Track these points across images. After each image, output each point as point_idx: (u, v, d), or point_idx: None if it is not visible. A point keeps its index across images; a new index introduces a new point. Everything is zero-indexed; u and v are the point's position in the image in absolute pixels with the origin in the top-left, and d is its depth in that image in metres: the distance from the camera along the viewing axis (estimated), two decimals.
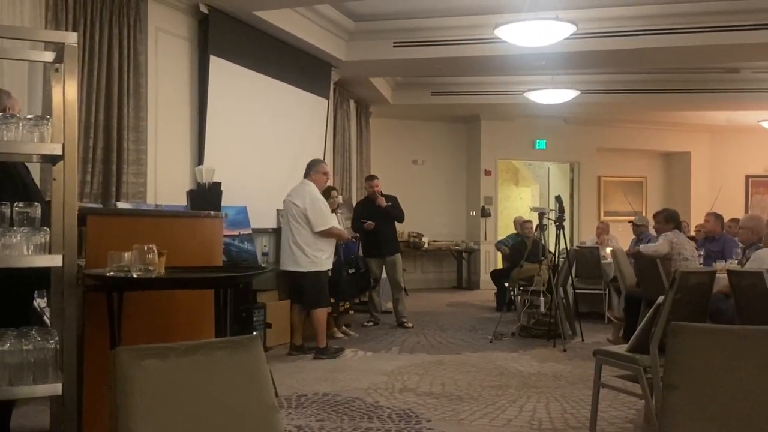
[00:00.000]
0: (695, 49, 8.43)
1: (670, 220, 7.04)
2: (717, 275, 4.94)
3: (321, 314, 6.75)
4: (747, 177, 15.27)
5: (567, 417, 4.76)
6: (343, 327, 7.81)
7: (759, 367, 1.98)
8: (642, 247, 7.06)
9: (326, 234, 6.67)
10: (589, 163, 14.51)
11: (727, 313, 5.37)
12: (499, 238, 13.19)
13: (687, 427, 1.98)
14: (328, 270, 6.82)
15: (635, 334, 4.26)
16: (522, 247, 9.46)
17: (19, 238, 2.64)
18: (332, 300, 7.25)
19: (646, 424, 4.46)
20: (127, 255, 3.07)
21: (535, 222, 8.24)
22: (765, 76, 11.11)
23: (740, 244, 7.61)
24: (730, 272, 5.05)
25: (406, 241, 12.48)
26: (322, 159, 7.26)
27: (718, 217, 8.29)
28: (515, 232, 11.06)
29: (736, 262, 6.80)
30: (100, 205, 5.62)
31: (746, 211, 14.36)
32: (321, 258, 6.65)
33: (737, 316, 4.97)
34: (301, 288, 6.77)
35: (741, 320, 4.83)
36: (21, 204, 2.75)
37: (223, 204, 6.12)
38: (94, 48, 5.68)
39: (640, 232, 9.20)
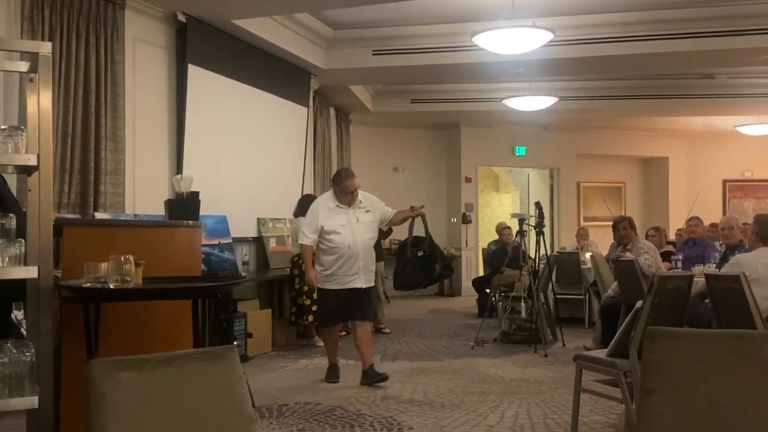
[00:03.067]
0: (671, 55, 8.52)
1: (634, 225, 7.40)
2: (695, 279, 4.98)
3: (320, 331, 6.28)
4: (724, 182, 15.44)
5: (548, 422, 4.77)
6: None
7: (735, 370, 2.00)
8: (643, 264, 6.87)
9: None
10: (568, 169, 14.59)
11: (704, 316, 5.41)
12: (481, 244, 13.25)
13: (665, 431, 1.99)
14: (335, 290, 5.81)
15: (615, 338, 4.28)
16: (502, 253, 9.48)
17: None
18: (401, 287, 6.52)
19: (626, 428, 4.48)
20: (103, 266, 3.05)
21: (515, 228, 8.27)
22: (740, 82, 11.24)
23: (719, 248, 7.69)
24: (707, 276, 5.08)
25: (387, 249, 12.47)
26: (342, 174, 6.02)
27: (701, 221, 8.45)
28: (497, 238, 11.10)
29: (714, 265, 6.86)
30: (78, 216, 5.57)
31: (724, 215, 14.52)
32: (322, 273, 5.88)
33: (714, 319, 5.01)
34: None
35: (718, 324, 4.87)
36: None
37: (202, 213, 6.09)
38: (71, 57, 5.64)
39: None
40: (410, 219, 6.04)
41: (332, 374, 6.03)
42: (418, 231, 6.32)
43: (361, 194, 5.96)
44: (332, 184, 6.09)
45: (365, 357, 5.92)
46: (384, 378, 5.85)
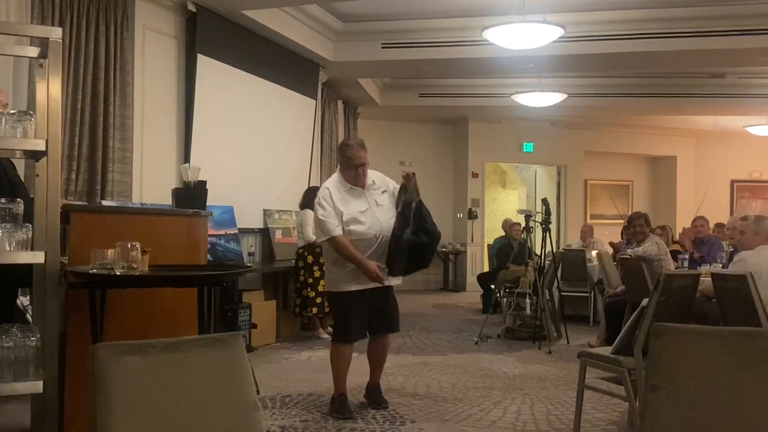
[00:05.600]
0: (682, 53, 8.48)
1: (649, 222, 7.28)
2: (701, 278, 4.97)
3: (332, 350, 4.95)
4: (732, 182, 15.38)
5: (551, 419, 4.76)
6: (329, 327, 7.76)
7: (740, 367, 1.99)
8: (630, 251, 7.06)
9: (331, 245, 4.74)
10: (575, 166, 14.56)
11: (712, 315, 5.39)
12: (487, 240, 13.24)
13: (669, 428, 1.98)
14: (356, 291, 4.70)
15: (619, 336, 4.28)
16: (508, 249, 9.47)
17: (0, 234, 2.62)
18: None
19: (629, 426, 4.47)
20: (110, 252, 3.06)
21: (522, 224, 8.27)
22: (751, 82, 11.19)
23: (725, 248, 7.67)
24: (714, 275, 5.07)
25: None
26: (350, 143, 4.97)
27: (707, 220, 8.43)
28: (503, 234, 11.09)
29: (721, 265, 6.85)
30: (84, 203, 5.59)
31: (731, 216, 14.45)
32: (339, 274, 4.75)
33: (721, 318, 5.00)
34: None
35: (725, 323, 4.86)
36: (3, 200, 2.73)
37: (208, 203, 6.10)
38: (81, 46, 5.64)
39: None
40: (404, 186, 4.85)
41: (342, 408, 4.83)
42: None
43: (372, 173, 4.92)
44: (338, 155, 5.03)
45: (375, 374, 5.09)
46: (384, 407, 4.95)
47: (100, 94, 5.83)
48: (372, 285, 4.66)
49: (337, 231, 4.65)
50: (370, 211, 4.74)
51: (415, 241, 4.64)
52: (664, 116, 13.44)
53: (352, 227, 4.67)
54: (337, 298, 4.85)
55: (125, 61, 6.08)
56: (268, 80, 8.31)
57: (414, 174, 4.84)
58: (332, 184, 4.86)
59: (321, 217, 4.71)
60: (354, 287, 4.68)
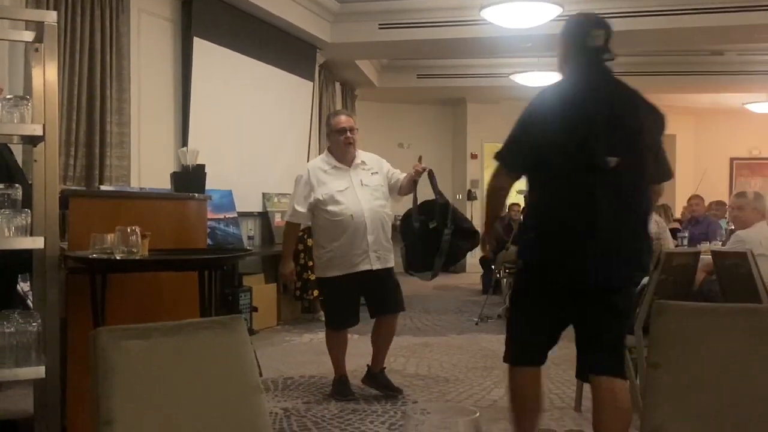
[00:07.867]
0: (680, 31, 8.44)
1: None
2: (701, 256, 4.97)
3: (326, 335, 4.85)
4: (731, 159, 15.36)
5: (552, 397, 4.78)
6: None
7: (741, 344, 1.99)
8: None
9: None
10: None
11: (719, 294, 5.39)
12: None
13: (669, 405, 1.99)
14: (339, 276, 4.53)
15: None
16: (508, 229, 9.47)
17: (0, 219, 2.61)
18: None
19: (631, 404, 4.48)
20: (110, 237, 3.05)
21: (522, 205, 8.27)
22: (749, 59, 11.15)
23: (723, 226, 7.67)
24: (713, 253, 5.07)
25: (392, 225, 12.45)
26: (335, 111, 4.67)
27: (702, 199, 8.42)
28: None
29: (721, 243, 6.85)
30: (83, 188, 5.58)
31: (730, 193, 14.44)
32: (321, 258, 4.61)
33: (721, 295, 5.00)
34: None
35: (725, 300, 4.86)
36: (1, 185, 2.72)
37: (207, 187, 6.08)
38: (76, 29, 5.61)
39: None
40: (415, 182, 4.73)
41: (343, 389, 4.79)
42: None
43: (365, 155, 4.77)
44: (325, 129, 4.87)
45: (380, 357, 4.88)
46: (398, 392, 4.80)
47: (97, 78, 5.81)
48: (357, 269, 4.48)
49: (291, 217, 4.66)
50: (350, 191, 4.54)
51: (458, 245, 4.76)
52: (662, 94, 13.33)
53: (329, 207, 4.49)
54: (322, 283, 4.72)
55: (121, 45, 6.05)
56: (265, 63, 8.28)
57: (432, 171, 4.80)
58: (314, 163, 4.77)
59: (298, 191, 4.68)
60: (335, 273, 4.52)
